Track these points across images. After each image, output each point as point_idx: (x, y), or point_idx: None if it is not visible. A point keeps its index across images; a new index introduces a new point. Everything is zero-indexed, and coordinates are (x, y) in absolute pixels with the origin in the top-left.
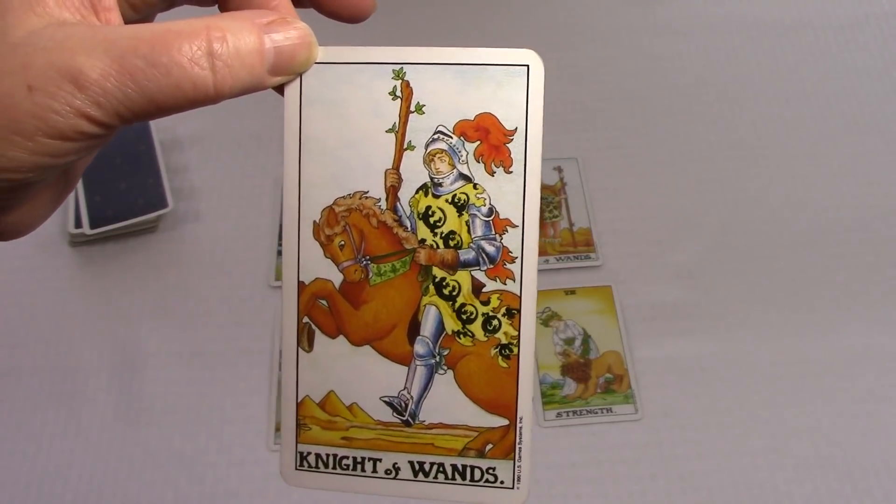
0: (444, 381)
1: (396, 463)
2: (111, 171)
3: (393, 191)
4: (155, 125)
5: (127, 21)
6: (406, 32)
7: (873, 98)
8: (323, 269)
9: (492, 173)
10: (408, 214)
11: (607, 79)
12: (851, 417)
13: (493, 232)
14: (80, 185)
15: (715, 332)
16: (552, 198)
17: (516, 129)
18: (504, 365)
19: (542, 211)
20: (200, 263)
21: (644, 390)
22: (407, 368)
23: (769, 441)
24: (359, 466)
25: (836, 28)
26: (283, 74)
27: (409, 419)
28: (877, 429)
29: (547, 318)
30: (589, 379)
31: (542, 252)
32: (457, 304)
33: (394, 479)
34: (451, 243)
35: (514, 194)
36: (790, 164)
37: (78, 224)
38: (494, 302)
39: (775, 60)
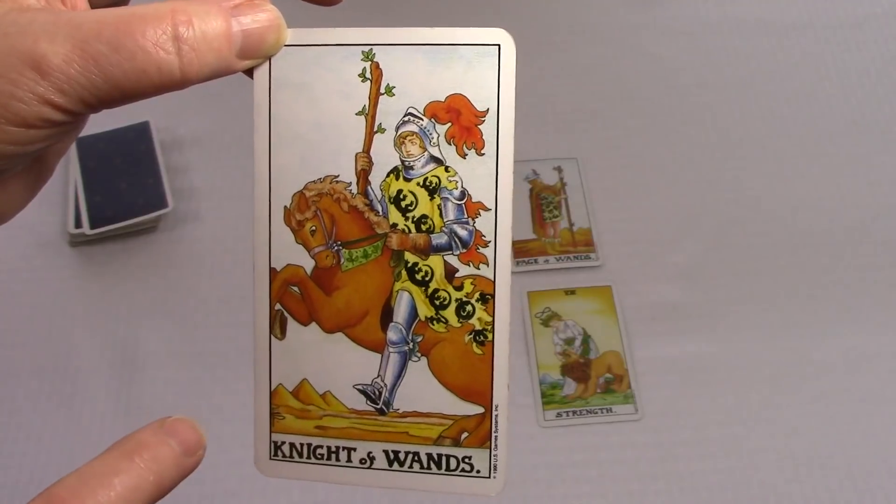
0: (418, 369)
1: (371, 452)
2: (111, 171)
3: (364, 174)
4: (155, 125)
5: (97, 7)
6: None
7: (873, 98)
8: (294, 255)
9: (463, 155)
10: (379, 198)
11: (607, 79)
12: (851, 417)
13: (466, 215)
14: (80, 185)
15: (715, 332)
16: (552, 198)
17: (488, 109)
18: (478, 351)
19: (541, 211)
20: (200, 263)
21: (644, 390)
22: (380, 356)
23: (769, 441)
24: (333, 456)
25: (836, 28)
26: (251, 58)
27: (383, 407)
28: (877, 429)
29: (547, 318)
30: (589, 379)
31: (542, 252)
32: (430, 290)
33: (368, 468)
34: (423, 227)
35: (486, 177)
36: (790, 164)
37: (78, 224)
38: (468, 287)
39: (775, 60)
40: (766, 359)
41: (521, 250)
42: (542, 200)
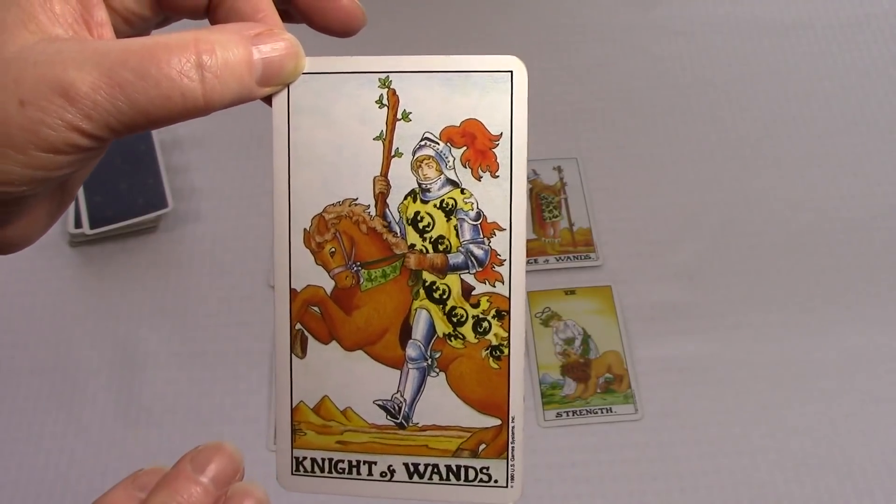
0: (437, 384)
1: (391, 465)
2: (111, 171)
3: (382, 197)
4: None
5: (121, 37)
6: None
7: (873, 98)
8: (314, 276)
9: (479, 178)
10: (397, 220)
11: (607, 79)
12: (851, 417)
13: (482, 235)
14: None
15: (715, 332)
16: (552, 198)
17: (501, 134)
18: (495, 366)
19: (541, 211)
20: (200, 263)
21: (644, 390)
22: (399, 372)
23: (769, 441)
24: (354, 470)
25: (836, 28)
26: (271, 85)
27: (403, 422)
28: (877, 429)
29: (547, 318)
30: (589, 379)
31: (542, 252)
32: (447, 308)
33: (389, 481)
34: (441, 248)
35: (501, 198)
36: (790, 164)
37: (78, 224)
38: (484, 304)
39: (775, 60)
40: (766, 359)
41: None
42: (542, 200)
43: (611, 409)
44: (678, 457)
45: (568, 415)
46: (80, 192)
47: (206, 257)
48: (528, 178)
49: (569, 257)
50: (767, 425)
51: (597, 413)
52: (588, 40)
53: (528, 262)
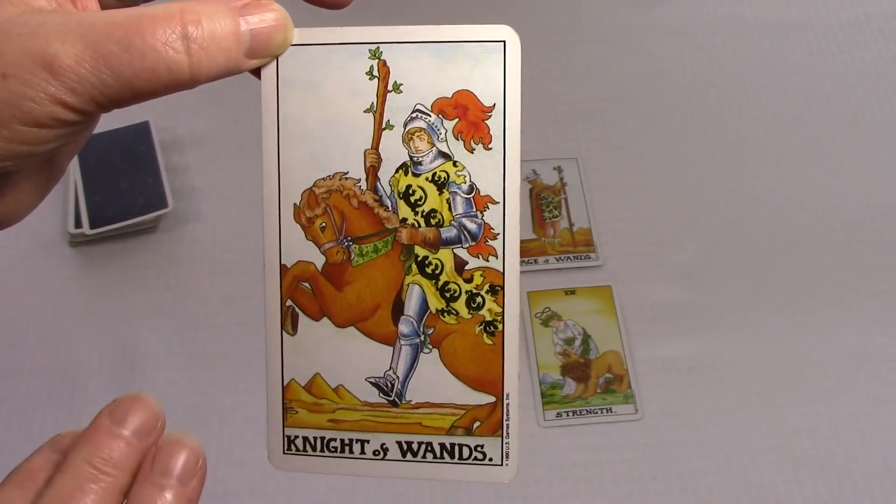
0: (430, 360)
1: (384, 444)
2: (111, 171)
3: (373, 171)
4: (155, 125)
5: (110, 9)
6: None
7: (873, 98)
8: (305, 251)
9: (471, 150)
10: (388, 194)
11: (607, 79)
12: (851, 417)
13: (475, 209)
14: (80, 185)
15: (715, 332)
16: (552, 198)
17: (494, 105)
18: (489, 342)
19: (541, 211)
20: (200, 263)
21: (644, 390)
22: (392, 349)
23: (769, 441)
24: (347, 448)
25: (836, 28)
26: (259, 57)
27: (396, 399)
28: (877, 429)
29: (547, 318)
30: (589, 379)
31: (542, 252)
32: (440, 283)
33: (382, 459)
34: (433, 222)
35: (494, 171)
36: (790, 164)
37: (78, 224)
38: (478, 279)
39: (775, 60)
40: (766, 359)
41: (521, 250)
42: (542, 200)
43: (611, 409)
44: (678, 457)
45: (568, 415)
46: (80, 192)
47: (206, 257)
48: (527, 178)
49: (569, 257)
50: (767, 425)
51: (597, 413)
52: (588, 40)
53: (528, 263)
